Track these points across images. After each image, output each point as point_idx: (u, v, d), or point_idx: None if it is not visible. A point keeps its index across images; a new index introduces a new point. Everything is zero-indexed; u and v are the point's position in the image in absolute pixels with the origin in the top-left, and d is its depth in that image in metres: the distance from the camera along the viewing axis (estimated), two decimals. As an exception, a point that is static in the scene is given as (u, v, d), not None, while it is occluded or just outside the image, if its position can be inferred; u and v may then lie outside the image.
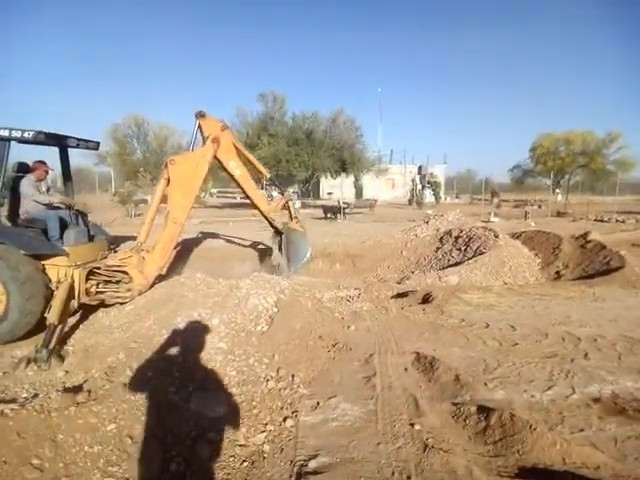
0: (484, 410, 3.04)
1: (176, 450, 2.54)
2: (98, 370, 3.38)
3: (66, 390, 3.16)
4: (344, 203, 19.73)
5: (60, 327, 4.78)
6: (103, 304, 5.52)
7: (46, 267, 5.10)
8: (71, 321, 5.33)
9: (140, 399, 2.77)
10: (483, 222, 15.64)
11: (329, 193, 34.84)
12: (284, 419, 3.03)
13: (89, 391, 2.74)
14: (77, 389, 3.03)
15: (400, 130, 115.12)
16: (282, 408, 3.15)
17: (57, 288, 4.96)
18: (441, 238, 10.59)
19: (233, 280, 5.46)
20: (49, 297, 4.90)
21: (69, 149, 5.80)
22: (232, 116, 26.37)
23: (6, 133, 4.86)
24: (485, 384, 3.51)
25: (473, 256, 8.91)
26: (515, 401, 3.25)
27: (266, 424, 2.95)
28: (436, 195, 31.16)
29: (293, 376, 3.61)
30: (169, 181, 5.63)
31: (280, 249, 7.00)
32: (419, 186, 32.88)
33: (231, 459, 2.69)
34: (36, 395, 3.80)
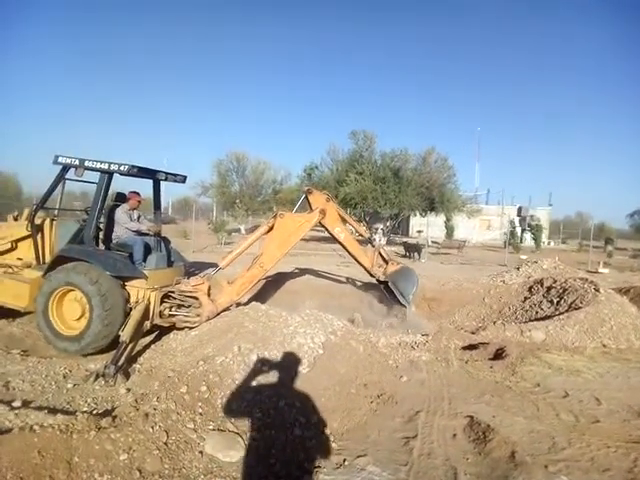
0: (537, 502, 2.54)
1: (179, 493, 2.45)
2: (131, 395, 3.48)
3: (98, 413, 3.29)
4: (432, 242, 19.00)
5: (131, 346, 5.15)
6: (175, 326, 5.86)
7: (127, 287, 5.60)
8: (145, 340, 5.72)
9: (158, 432, 2.76)
10: (588, 272, 13.84)
11: (419, 231, 33.94)
12: (302, 475, 2.81)
13: (114, 417, 2.83)
14: (108, 412, 3.15)
15: (500, 168, 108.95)
16: (303, 461, 2.94)
17: (134, 308, 5.42)
18: (530, 287, 9.55)
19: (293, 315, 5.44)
20: (127, 312, 5.35)
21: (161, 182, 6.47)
22: (324, 153, 27.36)
23: (106, 166, 5.56)
24: (546, 466, 2.94)
25: (566, 310, 7.85)
26: (580, 495, 2.67)
27: (280, 478, 2.73)
28: (537, 239, 28.66)
29: (325, 425, 3.39)
30: (271, 229, 6.14)
31: (392, 295, 7.15)
32: (518, 228, 30.57)
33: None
34: (94, 410, 4.11)
